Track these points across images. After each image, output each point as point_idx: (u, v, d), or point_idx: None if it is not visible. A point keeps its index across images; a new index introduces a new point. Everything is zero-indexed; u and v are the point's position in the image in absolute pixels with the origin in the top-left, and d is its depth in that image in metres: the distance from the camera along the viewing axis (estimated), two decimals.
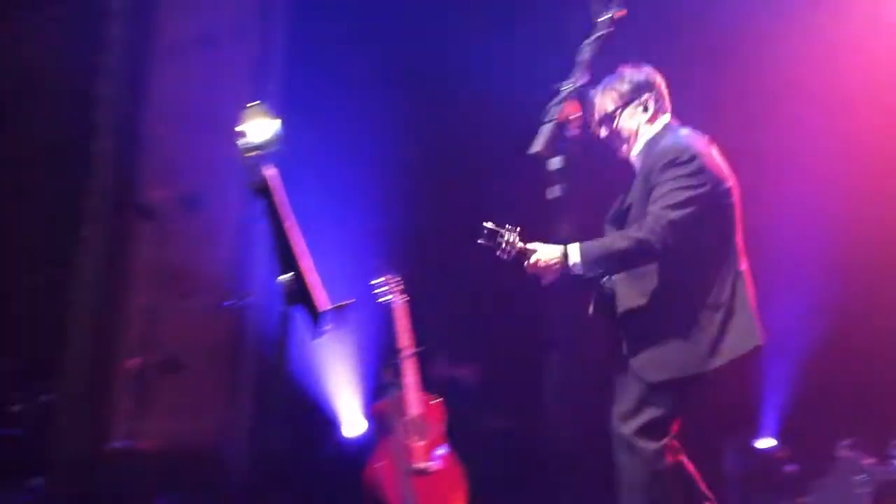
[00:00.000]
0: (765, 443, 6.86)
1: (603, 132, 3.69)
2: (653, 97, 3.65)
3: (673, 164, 3.41)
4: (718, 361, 3.45)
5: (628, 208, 3.59)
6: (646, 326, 3.48)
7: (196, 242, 5.86)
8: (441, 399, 5.53)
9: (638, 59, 3.71)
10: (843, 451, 5.87)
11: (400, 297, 5.52)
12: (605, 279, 3.58)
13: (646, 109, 3.64)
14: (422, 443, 5.33)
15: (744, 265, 3.59)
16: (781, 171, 6.20)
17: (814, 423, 6.54)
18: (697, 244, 3.44)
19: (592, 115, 3.67)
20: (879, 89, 6.08)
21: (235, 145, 3.17)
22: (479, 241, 3.57)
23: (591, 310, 3.68)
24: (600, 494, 3.96)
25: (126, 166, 5.70)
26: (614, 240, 3.48)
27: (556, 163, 3.38)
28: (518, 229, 3.57)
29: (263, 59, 6.18)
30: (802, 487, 5.92)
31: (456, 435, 5.50)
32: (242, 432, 5.81)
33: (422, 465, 5.28)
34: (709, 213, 3.46)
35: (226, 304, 5.49)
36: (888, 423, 5.69)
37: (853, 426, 5.88)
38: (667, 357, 3.44)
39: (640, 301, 3.48)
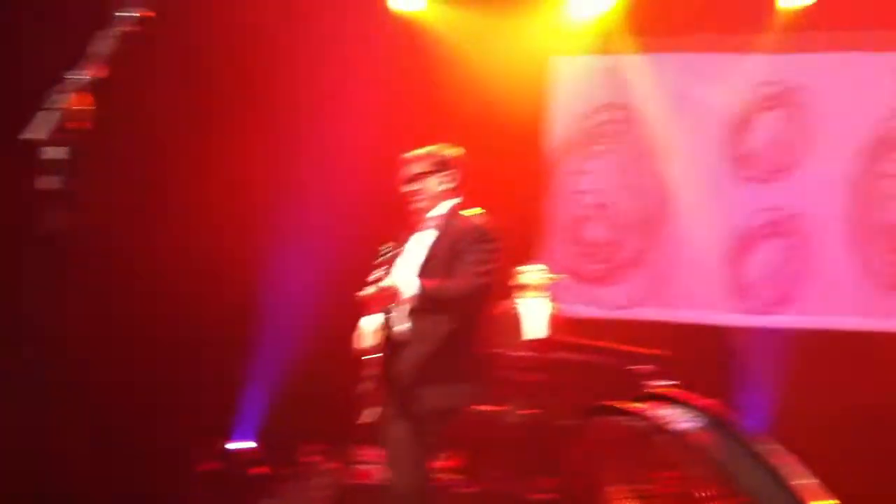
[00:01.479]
0: (237, 444, 7.07)
1: (409, 187, 4.33)
2: (453, 175, 4.34)
3: (481, 239, 4.21)
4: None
5: (428, 261, 4.23)
6: (430, 366, 4.12)
7: None
8: None
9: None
10: (309, 455, 6.24)
11: None
12: (396, 324, 4.13)
13: (445, 182, 4.34)
14: None
15: None
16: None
17: (287, 427, 6.86)
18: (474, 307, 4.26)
19: (406, 171, 4.33)
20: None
21: None
22: (376, 261, 4.00)
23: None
24: None
25: None
26: (443, 283, 4.10)
27: (53, 152, 3.25)
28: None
29: None
30: (269, 490, 6.19)
31: None
32: None
33: None
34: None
35: None
36: (351, 430, 6.13)
37: (321, 432, 6.26)
38: (442, 392, 4.10)
39: (428, 346, 4.13)
